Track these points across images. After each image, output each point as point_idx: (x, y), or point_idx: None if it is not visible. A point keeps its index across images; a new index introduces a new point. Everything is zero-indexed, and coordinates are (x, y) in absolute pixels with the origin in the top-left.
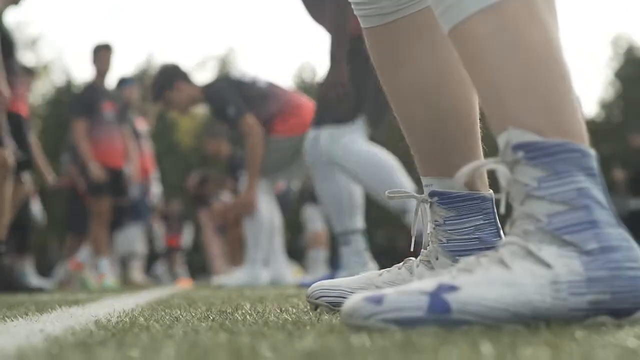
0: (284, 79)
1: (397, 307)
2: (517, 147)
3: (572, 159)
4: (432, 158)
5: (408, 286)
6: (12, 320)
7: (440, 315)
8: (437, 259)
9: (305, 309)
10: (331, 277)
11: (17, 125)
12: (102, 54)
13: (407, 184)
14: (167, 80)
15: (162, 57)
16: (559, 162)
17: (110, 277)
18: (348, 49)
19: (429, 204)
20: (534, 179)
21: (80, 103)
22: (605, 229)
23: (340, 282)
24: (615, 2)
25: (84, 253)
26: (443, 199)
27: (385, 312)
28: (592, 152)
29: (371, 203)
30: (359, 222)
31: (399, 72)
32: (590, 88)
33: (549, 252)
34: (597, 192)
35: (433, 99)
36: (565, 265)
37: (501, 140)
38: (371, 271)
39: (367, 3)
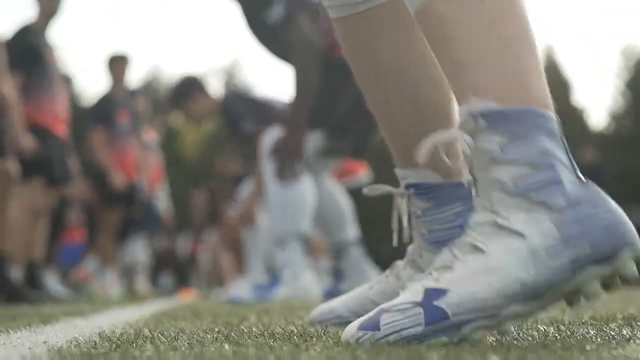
0: (289, 92)
1: (395, 329)
2: (479, 115)
3: (534, 123)
4: (408, 151)
5: (398, 301)
6: (16, 332)
7: (439, 323)
8: (421, 256)
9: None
10: (334, 289)
11: (40, 139)
12: (118, 65)
13: (305, 227)
14: (185, 91)
15: (167, 69)
16: (521, 126)
17: (114, 288)
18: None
19: (406, 197)
20: (497, 144)
21: (95, 113)
22: (572, 186)
23: (336, 304)
24: (624, 12)
25: (91, 263)
26: (419, 190)
27: (385, 336)
28: (555, 116)
29: (375, 214)
30: (350, 233)
31: (375, 62)
32: (601, 98)
33: (518, 219)
34: (561, 153)
35: (411, 91)
36: (537, 230)
37: (463, 110)
38: (362, 285)
39: None
